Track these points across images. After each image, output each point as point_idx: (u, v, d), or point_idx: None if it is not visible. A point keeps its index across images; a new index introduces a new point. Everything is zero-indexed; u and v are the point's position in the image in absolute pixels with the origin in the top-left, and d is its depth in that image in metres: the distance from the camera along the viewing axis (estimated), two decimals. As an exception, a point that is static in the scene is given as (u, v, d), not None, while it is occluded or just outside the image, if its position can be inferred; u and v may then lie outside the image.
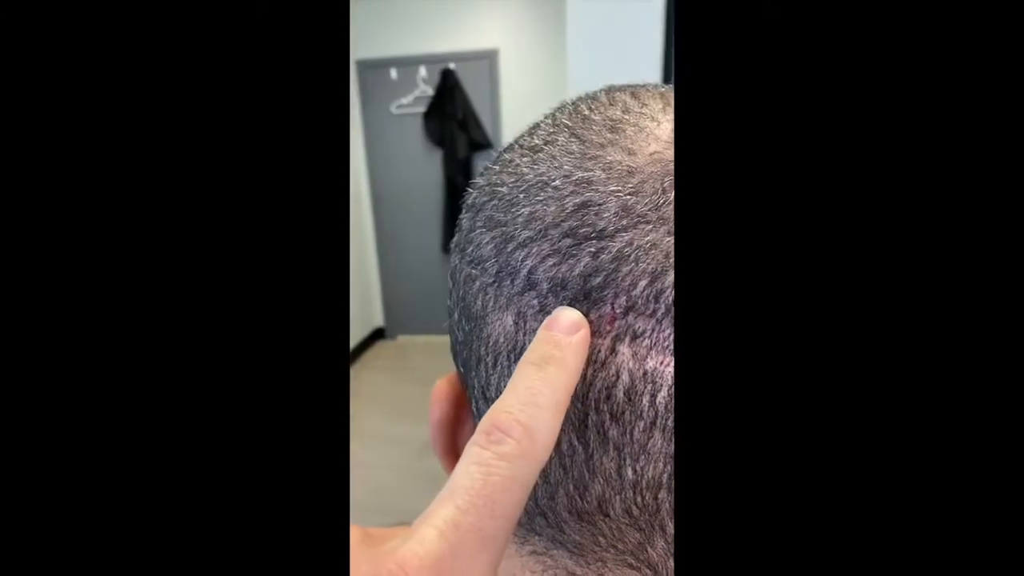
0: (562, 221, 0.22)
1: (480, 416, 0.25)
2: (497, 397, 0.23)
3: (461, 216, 0.27)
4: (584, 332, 0.20)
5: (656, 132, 0.22)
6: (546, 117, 0.26)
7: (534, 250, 0.22)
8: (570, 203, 0.22)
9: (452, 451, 0.27)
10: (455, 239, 0.27)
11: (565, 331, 0.20)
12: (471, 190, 0.27)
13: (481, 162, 3.40)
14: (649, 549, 0.22)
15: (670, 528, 0.21)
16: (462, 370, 0.26)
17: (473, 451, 0.19)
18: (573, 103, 0.26)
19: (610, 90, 0.26)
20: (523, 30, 3.17)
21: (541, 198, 0.22)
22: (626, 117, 0.23)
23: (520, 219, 0.23)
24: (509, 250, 0.23)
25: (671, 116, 0.23)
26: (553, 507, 0.23)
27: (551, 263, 0.21)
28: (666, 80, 1.77)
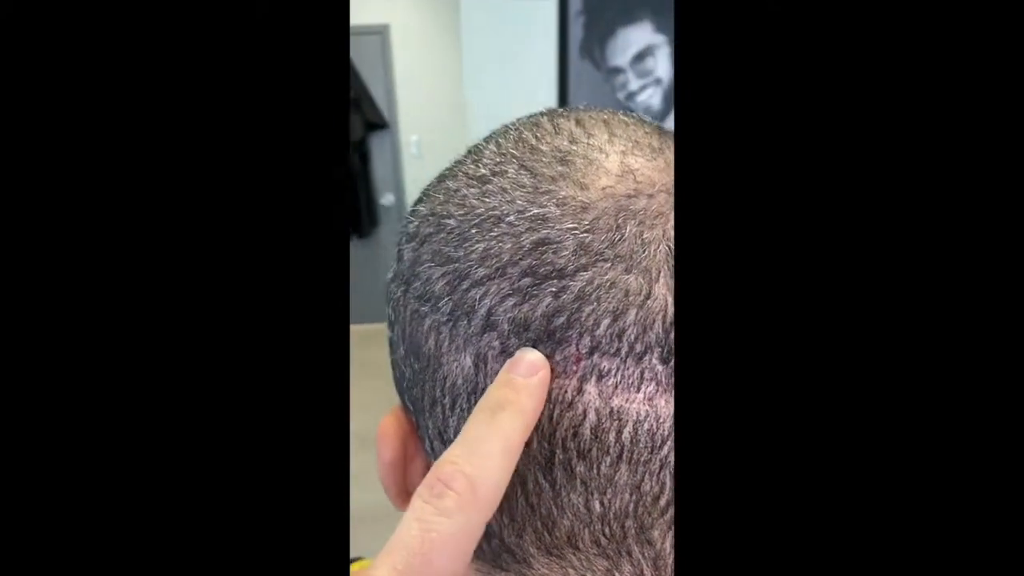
0: (520, 259, 0.21)
1: (435, 456, 0.24)
2: (454, 439, 0.23)
3: (401, 245, 0.26)
4: (544, 373, 0.20)
5: (605, 165, 0.22)
6: (487, 143, 0.26)
7: (492, 289, 0.21)
8: (526, 240, 0.21)
9: (404, 490, 0.26)
10: (395, 269, 0.26)
11: (524, 373, 0.20)
12: (410, 217, 0.26)
13: (377, 143, 3.31)
14: (616, 574, 0.22)
15: (636, 552, 0.22)
16: (410, 407, 0.25)
17: (416, 504, 0.19)
18: (515, 128, 0.25)
19: (551, 115, 0.25)
20: (414, 5, 3.09)
21: (495, 234, 0.22)
22: (574, 148, 0.23)
23: (474, 255, 0.22)
24: (464, 288, 0.22)
25: (617, 147, 0.23)
26: (520, 544, 0.23)
27: (511, 303, 0.21)
28: (561, 56, 1.80)
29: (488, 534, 0.23)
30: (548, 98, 1.89)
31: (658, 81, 1.83)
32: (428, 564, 0.17)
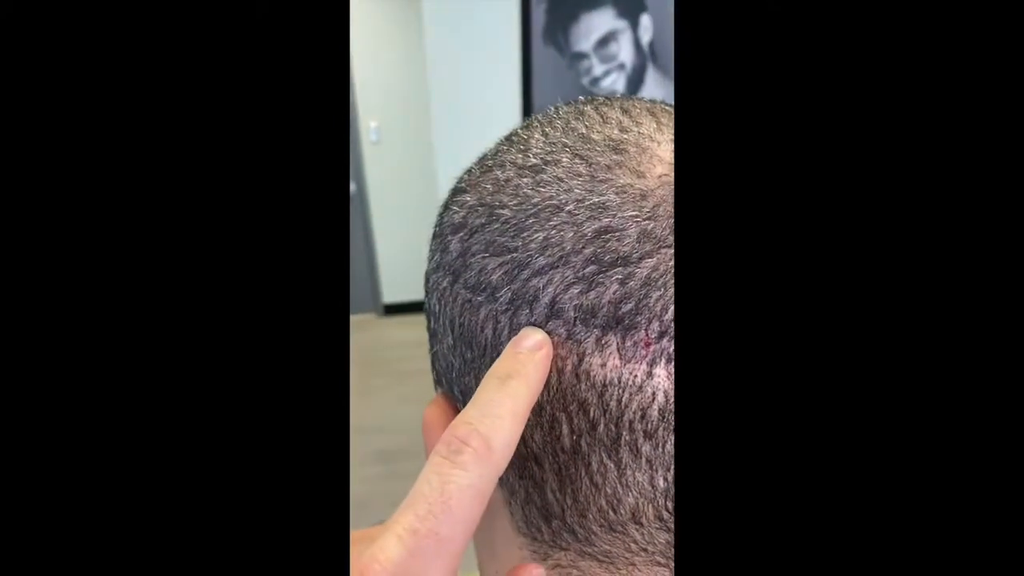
0: (583, 248, 0.22)
1: None
2: None
3: (446, 237, 0.26)
4: (547, 350, 0.22)
5: (659, 153, 0.23)
6: (529, 131, 0.26)
7: (555, 277, 0.22)
8: (588, 229, 0.22)
9: None
10: (438, 260, 0.26)
11: (531, 348, 0.21)
12: (454, 207, 0.26)
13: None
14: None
15: None
16: (459, 396, 0.26)
17: (434, 460, 0.20)
18: (560, 118, 0.26)
19: (594, 104, 0.26)
20: (368, -12, 3.03)
21: (555, 223, 0.22)
22: (625, 136, 0.24)
23: (533, 245, 0.22)
24: (524, 277, 0.22)
25: (667, 136, 0.24)
26: (584, 523, 0.23)
27: (576, 291, 0.21)
28: (524, 41, 1.79)
29: (548, 515, 0.24)
30: (511, 84, 1.89)
31: (621, 66, 1.84)
32: (448, 511, 0.18)
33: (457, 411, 0.26)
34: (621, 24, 1.80)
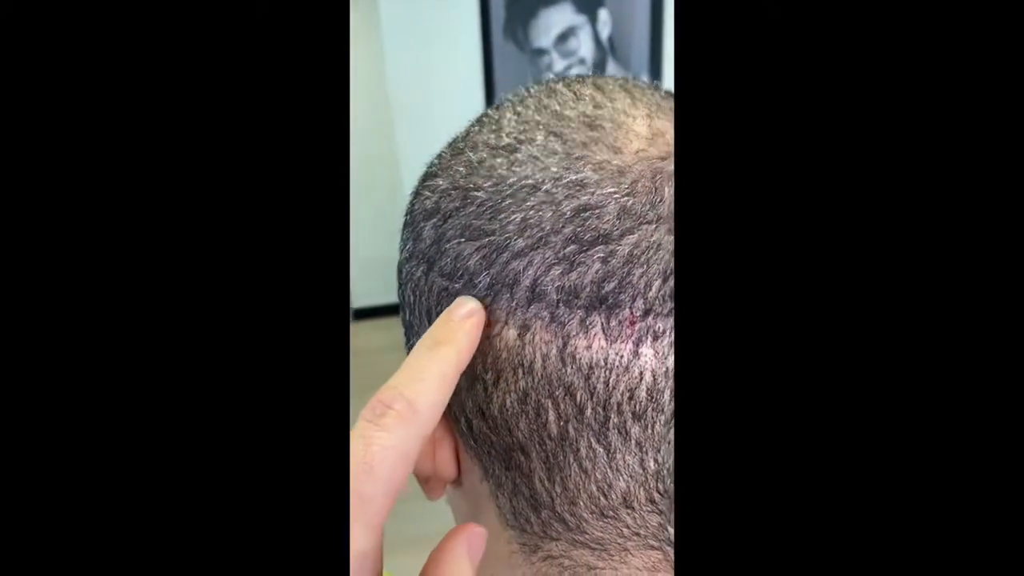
0: (562, 227, 0.21)
1: (470, 435, 0.24)
2: (500, 414, 0.22)
3: (418, 224, 0.25)
4: (479, 318, 0.22)
5: (635, 128, 0.22)
6: (502, 111, 0.25)
7: (535, 259, 0.21)
8: (567, 207, 0.21)
9: (434, 476, 0.26)
10: (411, 248, 0.25)
11: (463, 316, 0.22)
12: (426, 193, 0.25)
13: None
14: (669, 528, 0.23)
15: None
16: None
17: (359, 425, 0.20)
18: (531, 96, 0.25)
19: (566, 82, 0.25)
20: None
21: (532, 203, 0.21)
22: (600, 112, 0.23)
23: (511, 227, 0.22)
24: (503, 260, 0.22)
25: (641, 111, 0.23)
26: (575, 511, 0.23)
27: (558, 271, 0.21)
28: (484, 37, 1.79)
29: (537, 505, 0.23)
30: (472, 79, 1.88)
31: (582, 61, 1.85)
32: (370, 472, 0.18)
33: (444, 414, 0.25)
34: (580, 19, 1.80)
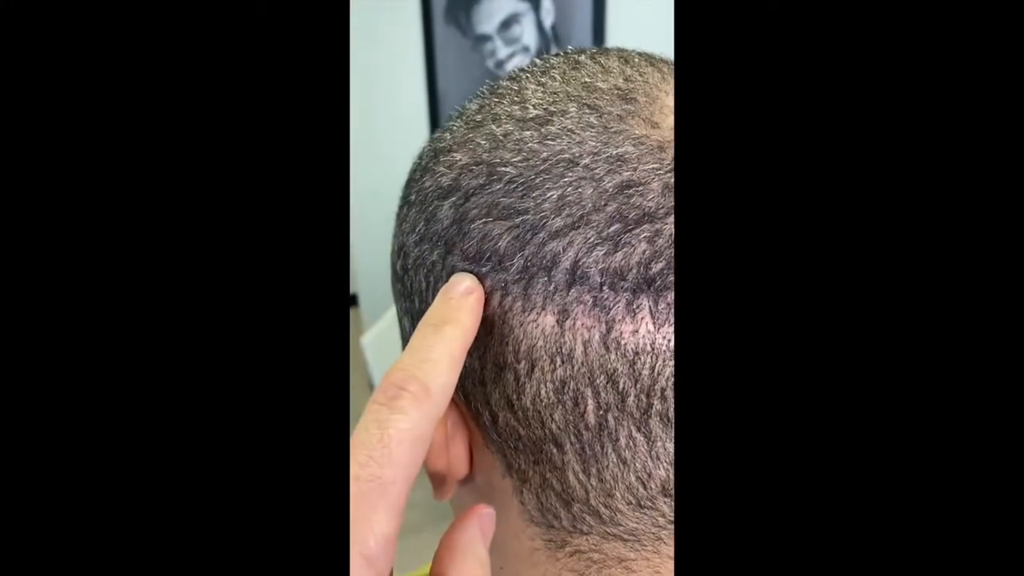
0: (605, 204, 0.20)
1: (493, 429, 0.22)
2: (532, 405, 0.21)
3: (431, 203, 0.23)
4: (478, 295, 0.21)
5: (668, 103, 0.21)
6: (521, 82, 0.24)
7: (576, 239, 0.20)
8: (609, 184, 0.20)
9: (447, 474, 0.24)
10: (422, 230, 0.23)
11: (462, 294, 0.21)
12: (440, 169, 0.23)
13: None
14: None
15: None
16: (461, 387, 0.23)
17: (371, 408, 0.19)
18: (556, 68, 0.23)
19: (588, 53, 0.24)
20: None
21: (570, 179, 0.20)
22: (632, 85, 0.22)
23: (547, 205, 0.20)
24: (539, 241, 0.20)
25: (671, 87, 0.22)
26: (610, 503, 0.22)
27: (601, 252, 0.19)
28: (426, 22, 1.75)
29: (568, 500, 0.22)
30: (414, 64, 1.84)
31: (526, 49, 1.84)
32: (389, 456, 0.18)
33: (457, 407, 0.23)
34: (523, 6, 1.79)
